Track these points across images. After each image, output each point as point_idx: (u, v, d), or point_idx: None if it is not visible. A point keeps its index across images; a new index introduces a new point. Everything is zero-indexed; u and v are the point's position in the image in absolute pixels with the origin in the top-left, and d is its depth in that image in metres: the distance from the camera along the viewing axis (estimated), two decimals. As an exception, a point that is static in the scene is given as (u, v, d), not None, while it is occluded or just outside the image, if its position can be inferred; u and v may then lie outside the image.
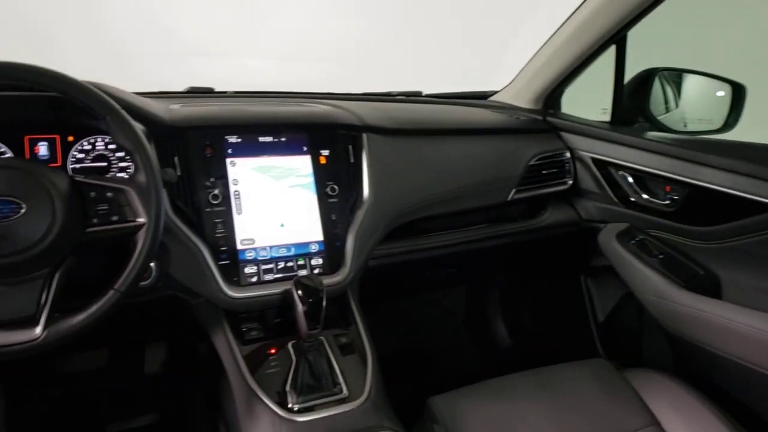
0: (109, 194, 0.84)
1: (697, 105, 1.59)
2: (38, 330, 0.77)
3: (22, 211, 0.76)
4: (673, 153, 1.35)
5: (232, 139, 1.09)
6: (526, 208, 1.55)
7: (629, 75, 1.53)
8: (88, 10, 1.88)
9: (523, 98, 1.64)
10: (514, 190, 1.44)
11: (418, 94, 1.63)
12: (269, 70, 2.09)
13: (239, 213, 1.06)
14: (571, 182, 1.55)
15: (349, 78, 1.86)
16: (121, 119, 0.84)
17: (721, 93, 1.48)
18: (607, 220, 1.52)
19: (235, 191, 1.07)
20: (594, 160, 1.51)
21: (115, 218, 0.84)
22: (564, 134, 1.57)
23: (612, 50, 1.47)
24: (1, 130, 0.97)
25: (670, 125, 1.57)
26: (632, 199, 1.47)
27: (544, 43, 1.53)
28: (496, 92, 1.74)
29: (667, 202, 1.40)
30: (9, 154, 0.97)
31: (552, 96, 1.61)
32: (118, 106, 0.84)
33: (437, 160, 1.33)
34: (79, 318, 0.79)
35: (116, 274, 0.82)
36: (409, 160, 1.29)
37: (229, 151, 1.09)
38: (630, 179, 1.46)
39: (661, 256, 1.38)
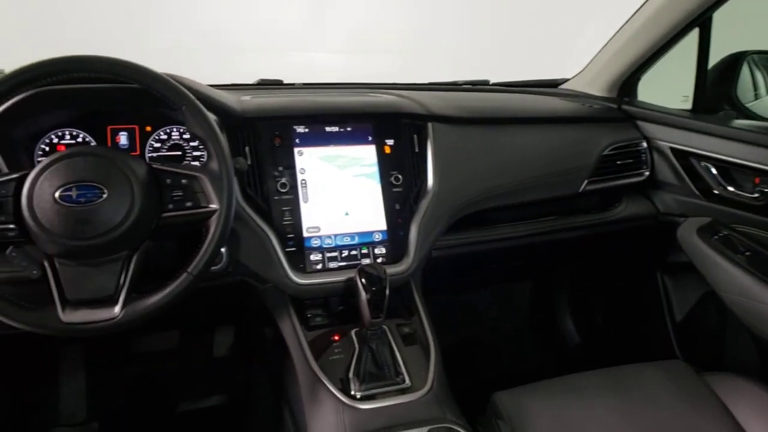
0: (183, 181, 0.87)
1: None
2: (117, 309, 0.81)
3: (104, 196, 0.80)
4: (764, 142, 1.26)
5: (300, 129, 1.11)
6: (598, 200, 1.49)
7: (713, 60, 1.45)
8: (167, 10, 1.98)
9: (597, 86, 1.58)
10: (586, 181, 1.39)
11: (485, 82, 1.60)
12: (336, 63, 2.12)
13: (306, 201, 1.08)
14: (647, 173, 1.47)
15: (414, 69, 1.85)
16: (196, 109, 0.87)
17: None
18: (687, 213, 1.45)
19: (302, 180, 1.09)
20: (674, 150, 1.44)
21: (189, 204, 0.87)
22: (641, 123, 1.49)
23: (695, 33, 1.40)
24: (86, 121, 1.03)
25: (759, 113, 1.49)
26: (716, 192, 1.38)
27: (621, 27, 1.47)
28: (567, 80, 1.69)
29: (756, 195, 1.31)
30: (93, 143, 1.03)
31: (628, 83, 1.55)
32: (193, 97, 0.87)
33: (504, 149, 1.30)
34: (155, 299, 0.83)
35: (189, 258, 0.85)
36: (475, 150, 1.26)
37: (297, 140, 1.11)
38: (713, 170, 1.38)
39: (747, 253, 1.29)
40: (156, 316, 0.84)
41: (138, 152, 1.05)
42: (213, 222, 0.86)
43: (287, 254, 1.04)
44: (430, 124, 1.20)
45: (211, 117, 0.89)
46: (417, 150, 1.18)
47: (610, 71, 1.54)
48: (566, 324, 1.91)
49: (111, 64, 0.83)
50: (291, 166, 1.08)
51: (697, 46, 1.42)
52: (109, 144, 1.04)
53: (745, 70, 1.52)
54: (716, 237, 1.34)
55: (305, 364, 1.00)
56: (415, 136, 1.19)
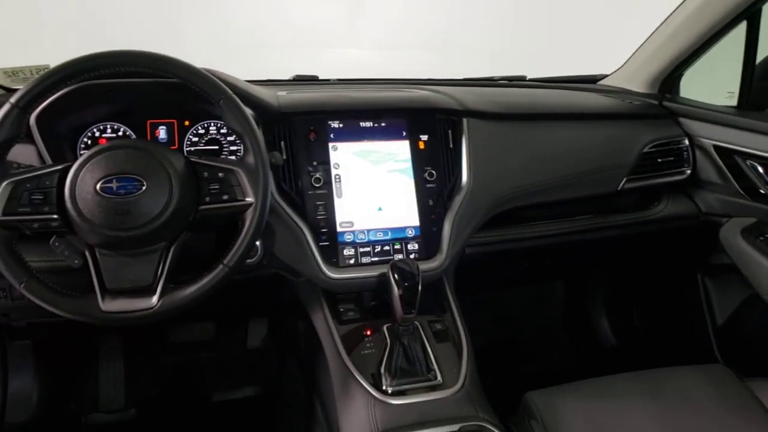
0: (220, 174, 0.88)
1: None
2: (155, 299, 0.83)
3: (144, 188, 0.81)
4: None
5: (335, 125, 1.11)
6: (638, 198, 1.45)
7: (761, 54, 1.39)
8: (207, 6, 2.01)
9: (637, 81, 1.54)
10: (625, 179, 1.35)
11: (522, 78, 1.57)
12: (371, 59, 2.11)
13: (339, 196, 1.08)
14: (689, 172, 1.42)
15: (450, 64, 1.84)
16: (234, 104, 0.88)
17: None
18: (730, 213, 1.40)
19: (336, 175, 1.09)
20: (717, 147, 1.38)
21: (225, 197, 0.87)
22: (683, 120, 1.44)
23: (742, 27, 1.34)
24: (127, 115, 1.05)
25: None
26: (762, 192, 1.33)
27: (663, 22, 1.43)
28: (606, 76, 1.64)
29: None
30: (133, 137, 1.05)
31: (670, 78, 1.50)
32: (231, 92, 0.88)
33: (541, 146, 1.27)
34: (191, 290, 0.84)
35: (225, 250, 0.86)
36: (510, 146, 1.24)
37: (332, 135, 1.11)
38: (760, 169, 1.32)
39: (794, 256, 1.24)
40: (192, 307, 0.85)
41: (176, 146, 1.07)
42: (248, 215, 0.87)
43: (321, 248, 1.04)
44: (464, 120, 1.18)
45: (248, 112, 0.90)
46: (451, 146, 1.17)
47: (651, 67, 1.49)
48: (601, 324, 1.87)
49: (152, 59, 0.84)
50: (325, 161, 1.08)
51: (745, 40, 1.36)
52: (149, 138, 1.06)
53: None
54: (762, 238, 1.29)
55: (337, 357, 1.00)
56: (449, 131, 1.17)
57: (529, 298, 1.92)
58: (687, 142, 1.42)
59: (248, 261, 0.99)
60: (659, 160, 1.38)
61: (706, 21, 1.32)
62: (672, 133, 1.42)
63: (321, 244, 1.05)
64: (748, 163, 1.33)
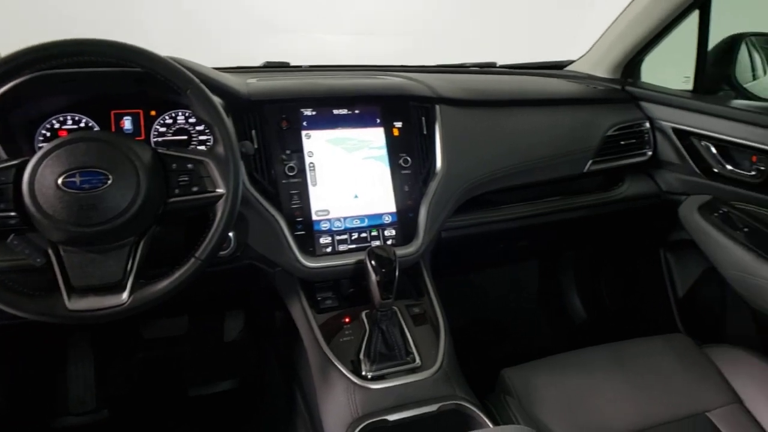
0: (189, 166, 0.82)
1: None
2: (125, 295, 0.77)
3: (109, 182, 0.75)
4: (761, 122, 1.23)
5: (307, 112, 1.05)
6: (602, 180, 1.44)
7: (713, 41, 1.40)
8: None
9: (601, 67, 1.53)
10: (590, 162, 1.34)
11: (492, 65, 1.55)
12: (344, 45, 2.04)
13: (314, 185, 1.03)
14: (650, 153, 1.43)
15: (423, 51, 1.79)
16: (201, 93, 0.82)
17: None
18: (688, 192, 1.41)
19: (310, 163, 1.03)
20: (675, 130, 1.39)
21: (195, 189, 0.82)
22: (643, 104, 1.44)
23: (695, 16, 1.35)
24: (90, 105, 0.97)
25: (757, 93, 1.45)
26: (715, 170, 1.34)
27: (623, 10, 1.41)
28: (572, 62, 1.63)
29: (754, 173, 1.27)
30: (96, 128, 0.97)
31: (631, 64, 1.50)
32: (198, 81, 0.82)
33: (511, 131, 1.25)
34: (163, 285, 0.79)
35: (197, 243, 0.81)
36: (482, 132, 1.21)
37: (305, 123, 1.05)
38: (713, 149, 1.34)
39: (746, 230, 1.26)
40: (164, 302, 0.79)
41: (143, 137, 0.99)
42: (220, 206, 0.81)
43: (296, 238, 0.99)
44: (438, 107, 1.15)
45: (217, 100, 0.84)
46: (425, 132, 1.13)
47: (614, 53, 1.48)
48: (573, 301, 1.89)
49: (114, 48, 0.77)
50: (299, 150, 1.03)
51: (698, 28, 1.37)
52: (114, 129, 0.98)
53: (743, 52, 1.48)
54: (716, 214, 1.31)
55: (316, 346, 0.96)
56: (423, 118, 1.13)
57: (504, 279, 1.92)
58: (648, 125, 1.42)
59: (221, 253, 0.94)
60: (622, 142, 1.38)
61: (661, 10, 1.32)
62: (634, 116, 1.41)
63: (296, 233, 0.99)
64: (703, 144, 1.35)
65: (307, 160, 1.03)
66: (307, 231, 1.01)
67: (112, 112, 0.98)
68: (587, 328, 1.84)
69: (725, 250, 1.25)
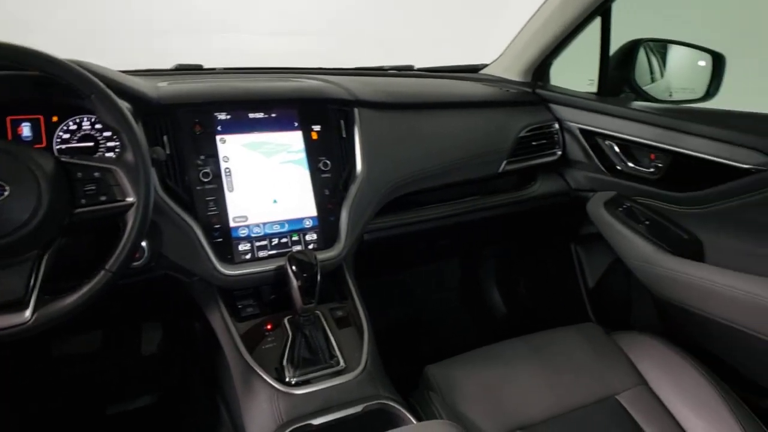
0: (96, 174, 0.78)
1: (680, 75, 1.55)
2: (27, 313, 0.72)
3: (6, 193, 0.70)
4: (657, 122, 1.31)
5: (222, 116, 1.02)
6: (517, 179, 1.50)
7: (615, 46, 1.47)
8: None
9: (513, 71, 1.58)
10: (505, 162, 1.39)
11: (409, 68, 1.56)
12: (261, 46, 1.98)
13: (231, 190, 1.00)
14: (560, 153, 1.49)
15: (342, 51, 1.77)
16: (106, 97, 0.78)
17: (702, 63, 1.43)
18: (595, 188, 1.48)
19: (226, 168, 1.01)
20: (581, 130, 1.47)
21: (103, 198, 0.78)
22: (552, 106, 1.51)
23: (598, 22, 1.41)
24: None
25: (655, 95, 1.52)
26: (618, 168, 1.43)
27: (532, 16, 1.47)
28: (486, 65, 1.67)
29: (652, 169, 1.36)
30: None
31: (540, 68, 1.55)
32: (102, 84, 0.78)
33: (429, 133, 1.27)
34: (70, 300, 0.74)
35: (107, 254, 0.77)
36: (401, 134, 1.22)
37: (219, 128, 1.02)
38: (616, 148, 1.42)
39: (647, 223, 1.35)
40: (74, 318, 0.75)
41: (44, 144, 0.93)
42: (130, 216, 0.78)
43: (214, 245, 0.96)
44: (356, 110, 1.15)
45: (124, 105, 0.80)
46: (344, 135, 1.13)
47: (524, 57, 1.54)
48: (493, 297, 1.94)
49: (8, 50, 0.71)
50: (214, 155, 1.00)
51: (600, 34, 1.44)
52: (10, 137, 0.90)
53: (642, 56, 1.57)
54: (620, 209, 1.39)
55: (238, 356, 0.94)
56: (342, 121, 1.13)
57: (427, 278, 1.94)
58: (557, 126, 1.48)
59: (134, 264, 0.90)
60: (533, 143, 1.44)
61: (566, 16, 1.38)
62: (544, 118, 1.48)
63: (214, 240, 0.97)
64: (606, 143, 1.42)
65: (223, 165, 1.00)
66: (224, 238, 0.98)
67: (8, 119, 0.90)
68: (507, 322, 1.89)
69: (629, 242, 1.32)
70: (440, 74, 1.57)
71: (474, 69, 1.67)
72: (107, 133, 0.97)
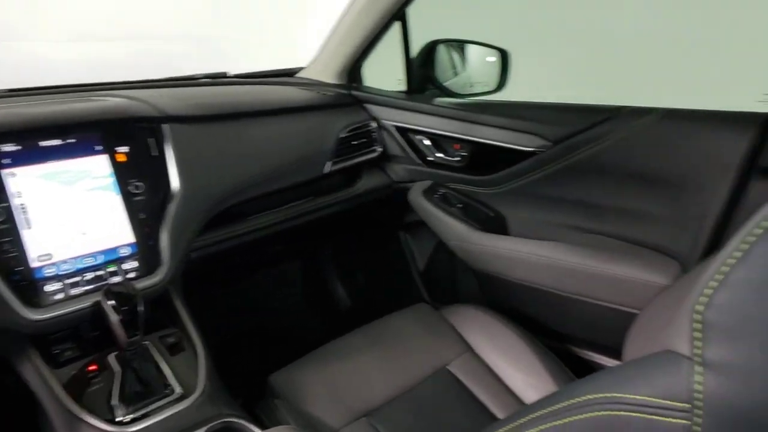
0: None
1: (476, 70, 1.69)
2: None
3: None
4: (457, 116, 1.45)
5: (8, 148, 0.90)
6: (344, 178, 1.55)
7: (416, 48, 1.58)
8: None
9: (329, 73, 1.62)
10: (329, 163, 1.43)
11: (222, 75, 1.51)
12: (58, 54, 1.76)
13: (29, 227, 0.90)
14: (380, 150, 1.57)
15: (154, 54, 1.66)
16: None
17: (491, 58, 1.59)
18: (414, 179, 1.59)
19: (21, 204, 0.90)
20: (396, 127, 1.56)
21: None
22: (368, 106, 1.58)
23: (398, 26, 1.51)
24: None
25: (455, 90, 1.67)
26: (430, 159, 1.55)
27: (338, 20, 1.50)
28: (302, 69, 1.68)
29: (458, 158, 1.51)
30: None
31: (353, 70, 1.61)
32: None
33: (247, 143, 1.25)
34: None
35: None
36: (217, 147, 1.19)
37: (7, 161, 0.90)
38: (426, 141, 1.54)
39: (459, 206, 1.49)
40: None
41: None
42: None
43: (15, 290, 0.86)
44: (166, 126, 1.09)
45: None
46: (156, 154, 1.06)
47: (337, 60, 1.57)
48: (337, 292, 1.98)
49: None
50: (1, 191, 0.89)
51: (401, 37, 1.54)
52: None
53: (444, 54, 1.70)
54: (436, 196, 1.51)
55: (59, 407, 0.86)
56: (152, 139, 1.07)
57: (270, 283, 1.93)
58: (375, 124, 1.56)
59: None
60: (354, 142, 1.49)
61: (369, 20, 1.44)
62: (362, 117, 1.54)
63: (15, 285, 0.87)
64: (417, 137, 1.54)
65: (16, 201, 0.89)
66: (27, 280, 0.88)
67: None
68: (353, 314, 1.95)
69: (446, 225, 1.45)
70: (255, 80, 1.55)
71: (290, 73, 1.67)
72: None
